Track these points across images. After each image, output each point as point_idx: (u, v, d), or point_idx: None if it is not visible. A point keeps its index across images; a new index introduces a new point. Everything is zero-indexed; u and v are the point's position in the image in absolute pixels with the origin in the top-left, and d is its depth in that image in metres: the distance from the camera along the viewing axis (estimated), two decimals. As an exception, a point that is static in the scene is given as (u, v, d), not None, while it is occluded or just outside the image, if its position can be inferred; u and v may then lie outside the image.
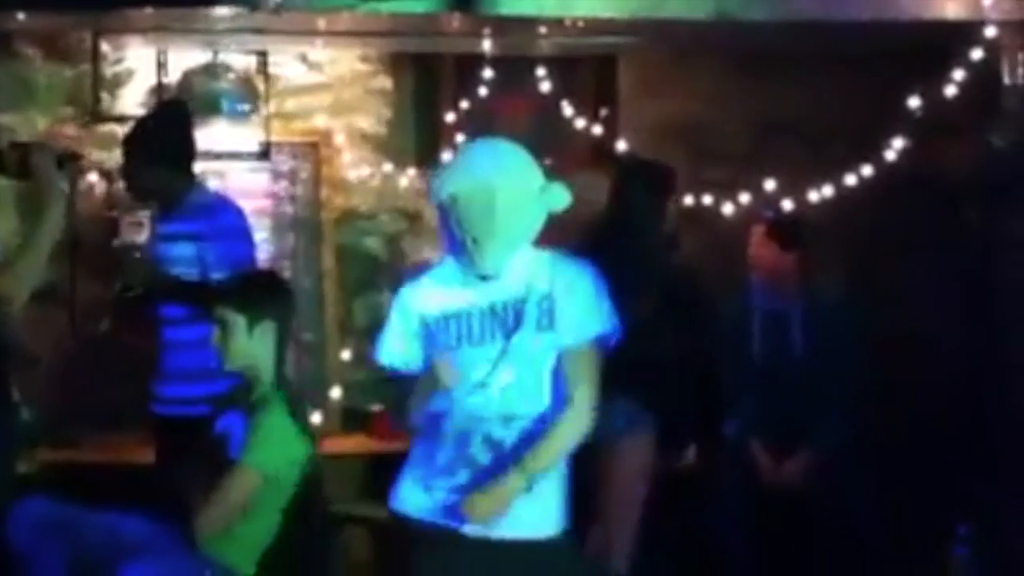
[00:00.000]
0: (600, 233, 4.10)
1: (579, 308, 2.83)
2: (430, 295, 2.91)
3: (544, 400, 2.84)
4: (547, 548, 2.84)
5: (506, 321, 2.82)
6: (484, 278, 2.84)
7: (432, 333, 2.87)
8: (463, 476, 2.81)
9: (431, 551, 2.85)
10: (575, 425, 2.82)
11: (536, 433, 2.81)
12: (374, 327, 5.09)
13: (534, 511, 2.81)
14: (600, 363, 2.86)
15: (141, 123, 4.32)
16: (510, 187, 2.78)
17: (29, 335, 4.67)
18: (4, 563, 3.38)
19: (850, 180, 4.86)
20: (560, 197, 2.82)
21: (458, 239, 2.81)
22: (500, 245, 2.79)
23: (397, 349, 2.96)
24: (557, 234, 2.96)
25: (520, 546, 2.81)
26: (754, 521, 4.33)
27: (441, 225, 2.87)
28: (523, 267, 2.85)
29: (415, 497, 2.88)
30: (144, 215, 4.63)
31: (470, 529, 2.79)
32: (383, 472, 4.84)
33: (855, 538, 4.30)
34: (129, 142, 4.18)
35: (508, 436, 2.81)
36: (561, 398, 2.83)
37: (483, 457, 2.81)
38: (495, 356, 2.80)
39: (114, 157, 5.02)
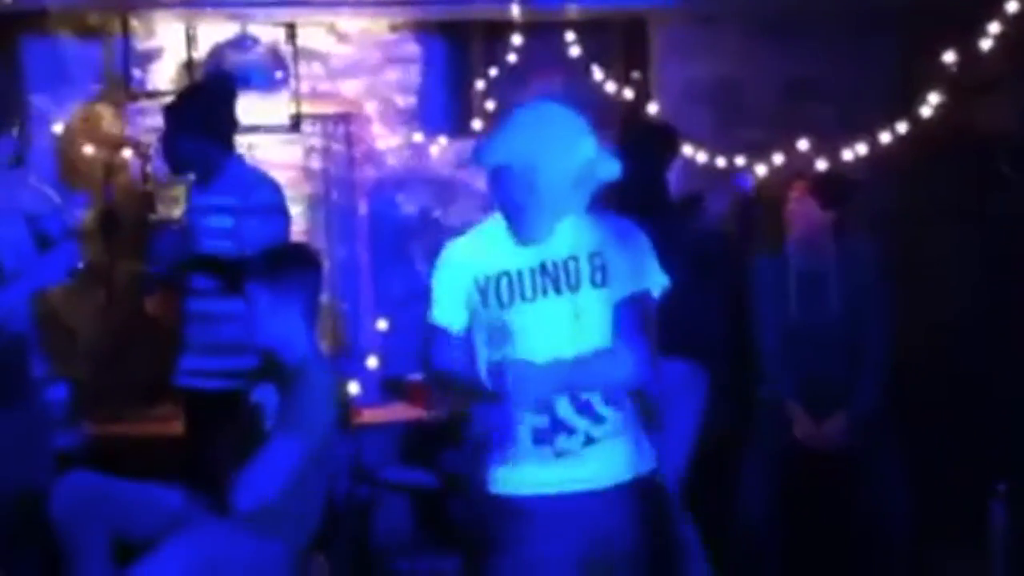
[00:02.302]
0: (613, 199, 4.12)
1: (630, 263, 2.81)
2: (479, 252, 2.86)
3: None
4: (634, 488, 2.84)
5: (557, 278, 2.80)
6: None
7: (482, 291, 2.83)
8: (562, 441, 2.80)
9: (533, 525, 2.80)
10: (618, 365, 2.79)
11: (617, 391, 2.82)
12: (409, 297, 5.16)
13: (621, 452, 2.83)
14: (652, 316, 2.84)
15: (182, 95, 4.36)
16: (556, 159, 2.73)
17: (67, 310, 4.74)
18: (47, 536, 3.43)
19: (884, 139, 4.80)
20: (610, 169, 2.78)
21: (506, 206, 2.79)
22: (544, 214, 2.77)
23: (447, 308, 2.87)
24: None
25: (611, 491, 2.82)
26: (788, 484, 4.31)
27: (489, 188, 2.82)
28: (570, 227, 2.82)
29: (515, 474, 2.83)
30: (180, 191, 4.67)
31: (568, 489, 2.78)
32: (422, 440, 4.93)
33: (892, 497, 4.27)
34: (170, 113, 4.21)
35: (591, 395, 2.81)
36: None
37: (574, 419, 2.80)
38: (551, 314, 2.78)
39: (147, 133, 5.07)
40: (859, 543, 4.23)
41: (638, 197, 4.12)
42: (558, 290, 2.79)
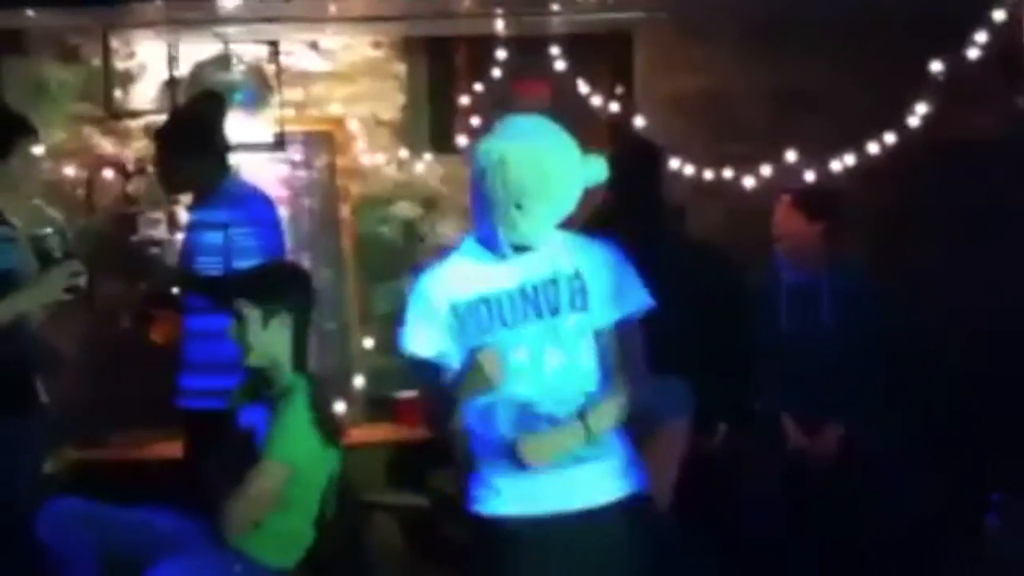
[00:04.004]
0: (601, 215, 4.12)
1: (610, 287, 2.80)
2: (456, 280, 2.83)
3: (593, 381, 2.80)
4: (623, 508, 2.81)
5: (538, 302, 2.78)
6: (518, 251, 2.78)
7: (463, 318, 2.79)
8: None
9: (522, 545, 2.77)
10: (624, 403, 2.80)
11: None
12: (395, 314, 5.08)
13: (610, 473, 2.81)
14: (639, 337, 2.83)
15: (175, 115, 4.34)
16: (558, 153, 2.76)
17: (52, 334, 4.68)
18: (37, 561, 3.38)
19: (873, 149, 4.79)
20: (599, 170, 2.81)
21: (497, 207, 2.73)
22: (545, 210, 2.75)
23: (426, 339, 2.83)
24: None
25: (600, 512, 2.79)
26: (787, 497, 4.28)
27: (475, 196, 2.79)
28: (549, 248, 2.81)
29: (499, 490, 2.80)
30: (162, 211, 4.63)
31: (558, 508, 2.75)
32: (409, 460, 4.89)
33: (888, 509, 4.25)
34: (163, 134, 4.18)
35: (568, 417, 2.77)
36: (608, 376, 2.80)
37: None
38: (533, 339, 2.76)
39: (129, 153, 5.03)
40: (859, 552, 4.20)
41: (631, 214, 4.12)
42: (538, 314, 2.77)
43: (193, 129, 4.11)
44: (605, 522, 2.78)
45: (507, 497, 2.80)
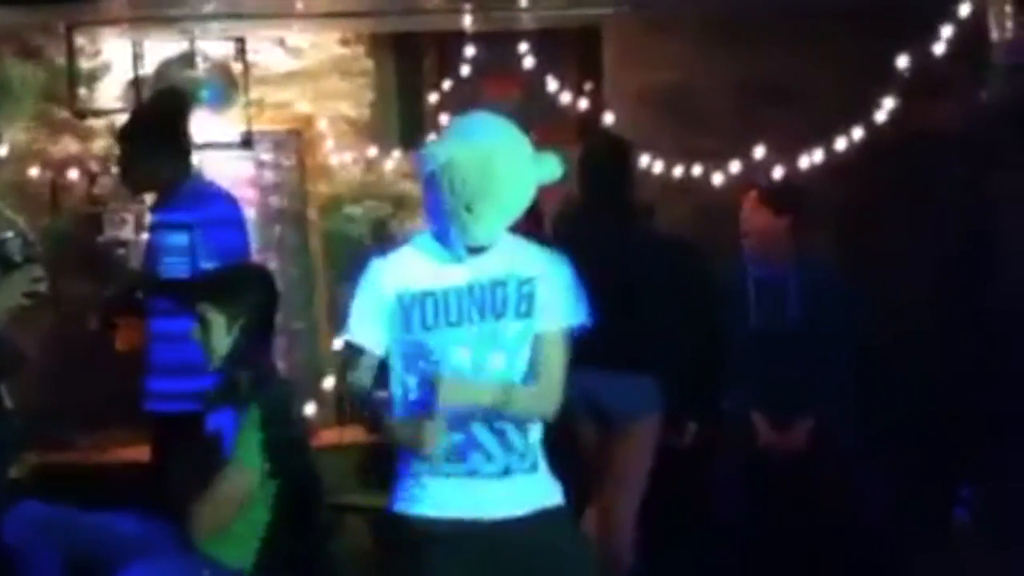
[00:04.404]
0: (566, 213, 4.11)
1: (558, 297, 2.80)
2: (406, 271, 2.81)
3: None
4: (551, 518, 2.81)
5: (483, 303, 2.77)
6: (471, 252, 2.77)
7: (407, 309, 2.78)
8: (476, 461, 2.76)
9: (443, 548, 2.75)
10: (542, 400, 2.81)
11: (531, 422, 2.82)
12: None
13: (538, 485, 2.81)
14: (567, 354, 2.83)
15: (137, 113, 4.31)
16: (506, 153, 2.71)
17: (14, 334, 4.63)
18: (3, 567, 3.35)
19: (840, 143, 4.80)
20: (553, 168, 2.76)
21: (448, 209, 2.71)
22: (495, 211, 2.72)
23: (367, 327, 2.82)
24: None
25: (527, 520, 2.78)
26: (755, 493, 4.29)
27: (427, 198, 2.78)
28: (503, 251, 2.80)
29: (427, 492, 2.78)
30: (127, 211, 4.59)
31: (482, 515, 2.75)
32: (379, 461, 4.85)
33: (857, 503, 4.26)
34: (125, 133, 4.15)
35: (506, 423, 2.78)
36: (535, 380, 2.81)
37: (489, 442, 2.77)
38: (476, 340, 2.75)
39: (93, 152, 4.99)
40: (829, 548, 4.21)
41: (600, 210, 4.11)
42: (483, 315, 2.76)
43: (153, 127, 4.07)
44: (523, 533, 2.77)
45: (432, 500, 2.78)
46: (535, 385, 2.79)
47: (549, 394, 2.81)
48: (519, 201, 2.76)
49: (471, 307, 2.76)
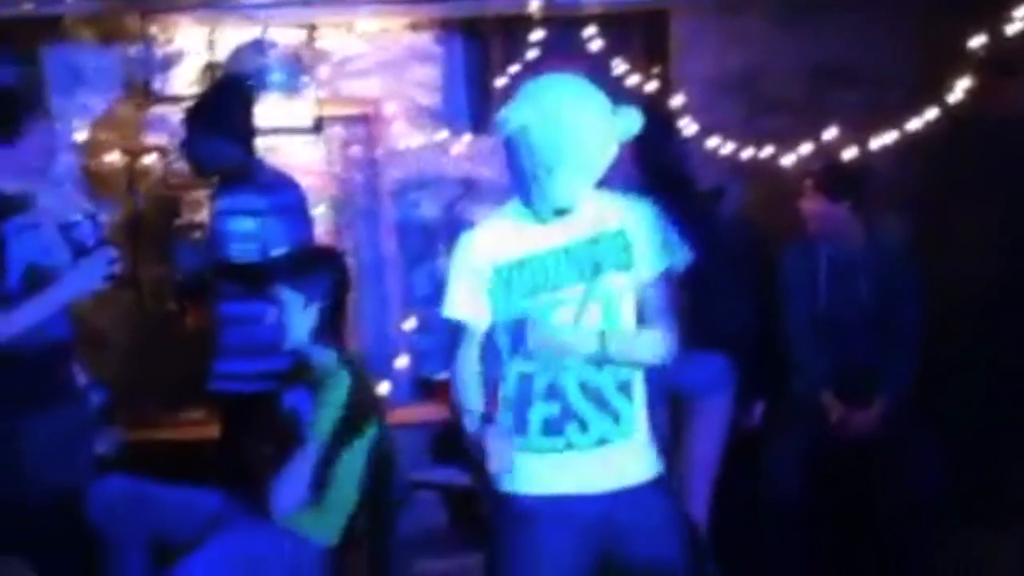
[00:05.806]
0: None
1: (653, 243, 2.77)
2: (499, 241, 2.78)
3: None
4: (646, 494, 2.80)
5: (581, 262, 2.74)
6: (559, 214, 2.74)
7: (507, 280, 2.76)
8: (571, 433, 2.75)
9: (541, 526, 2.76)
10: (650, 344, 2.77)
11: (630, 377, 2.78)
12: (436, 295, 5.13)
13: (634, 456, 2.79)
14: (671, 293, 2.81)
15: (202, 97, 4.39)
16: (582, 113, 2.66)
17: (97, 315, 4.73)
18: (86, 541, 3.42)
19: (912, 125, 4.76)
20: (632, 123, 2.71)
21: (529, 173, 2.69)
22: (574, 173, 2.67)
23: (468, 302, 2.80)
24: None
25: (623, 496, 2.77)
26: (822, 476, 4.27)
27: (509, 163, 2.74)
28: (591, 207, 2.77)
29: (527, 470, 2.78)
30: (204, 194, 4.66)
31: (579, 491, 2.74)
32: (453, 439, 4.90)
33: (925, 482, 4.22)
34: (190, 116, 4.24)
35: (604, 382, 2.76)
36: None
37: (587, 411, 2.75)
38: (577, 299, 2.72)
39: (169, 138, 5.06)
40: (891, 529, 4.19)
41: (659, 186, 4.10)
42: (582, 275, 2.73)
43: (212, 112, 4.16)
44: (627, 504, 2.77)
45: (528, 474, 2.78)
46: (641, 329, 2.76)
47: (656, 337, 2.77)
48: (599, 159, 2.71)
49: (570, 268, 2.74)
